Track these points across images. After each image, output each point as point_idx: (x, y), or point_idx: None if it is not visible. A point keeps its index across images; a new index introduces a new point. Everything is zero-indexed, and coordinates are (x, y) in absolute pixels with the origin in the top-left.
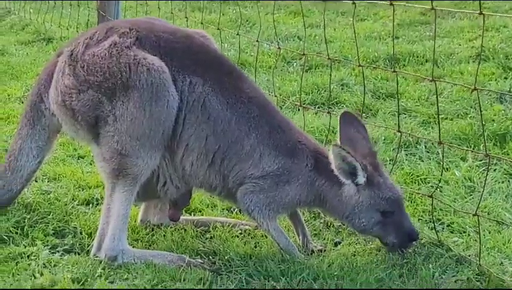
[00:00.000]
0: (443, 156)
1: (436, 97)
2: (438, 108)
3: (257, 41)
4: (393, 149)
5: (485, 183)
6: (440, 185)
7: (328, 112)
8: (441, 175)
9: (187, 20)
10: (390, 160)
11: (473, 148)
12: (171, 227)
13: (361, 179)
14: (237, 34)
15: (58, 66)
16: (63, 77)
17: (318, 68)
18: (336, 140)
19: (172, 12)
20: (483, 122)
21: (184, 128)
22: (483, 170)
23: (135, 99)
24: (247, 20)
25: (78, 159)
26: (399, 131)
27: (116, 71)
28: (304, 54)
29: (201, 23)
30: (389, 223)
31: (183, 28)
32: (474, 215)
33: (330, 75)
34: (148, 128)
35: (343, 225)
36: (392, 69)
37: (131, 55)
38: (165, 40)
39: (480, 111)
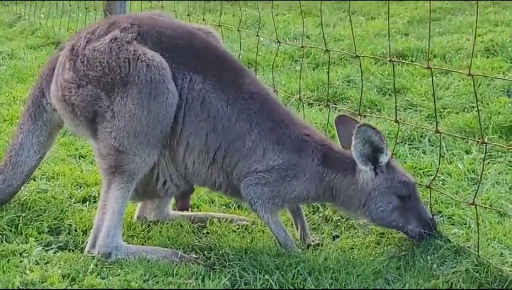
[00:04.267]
0: (440, 145)
1: (432, 81)
2: (434, 93)
3: (257, 35)
4: (396, 143)
5: (482, 172)
6: (443, 178)
7: (327, 105)
8: (439, 164)
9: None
10: (393, 153)
11: (478, 142)
12: (167, 223)
13: (385, 158)
14: (238, 30)
15: (59, 60)
16: (63, 72)
17: (325, 66)
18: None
19: (189, 15)
20: (489, 114)
21: (184, 126)
22: (488, 162)
23: (134, 95)
24: (257, 21)
25: (79, 158)
26: (396, 121)
27: (115, 66)
28: (302, 47)
29: (219, 25)
30: (407, 209)
31: (187, 24)
32: (471, 204)
33: (329, 65)
34: (146, 126)
35: (343, 217)
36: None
37: (131, 50)
38: (167, 36)
39: (475, 93)
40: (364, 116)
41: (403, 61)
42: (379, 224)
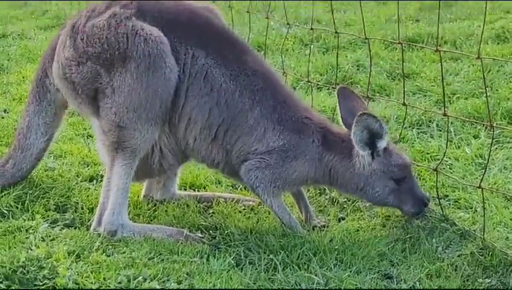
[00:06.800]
0: (448, 128)
1: (441, 64)
2: (442, 75)
3: (267, 18)
4: (404, 127)
5: (489, 156)
6: (450, 162)
7: (334, 88)
8: (446, 148)
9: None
10: (402, 138)
11: (486, 127)
12: (173, 202)
13: (383, 143)
14: (247, 12)
15: (60, 39)
16: (64, 50)
17: (335, 50)
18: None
19: None
20: (498, 100)
21: (187, 101)
22: (496, 148)
23: (132, 70)
24: (268, 5)
25: (87, 137)
26: (404, 104)
27: (113, 42)
28: (311, 29)
29: (230, 7)
30: (403, 191)
31: (188, 2)
32: (478, 187)
33: (337, 48)
34: (144, 100)
35: (349, 199)
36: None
37: (130, 25)
38: (168, 12)
39: (483, 76)
40: (373, 100)
41: (412, 43)
42: (375, 205)
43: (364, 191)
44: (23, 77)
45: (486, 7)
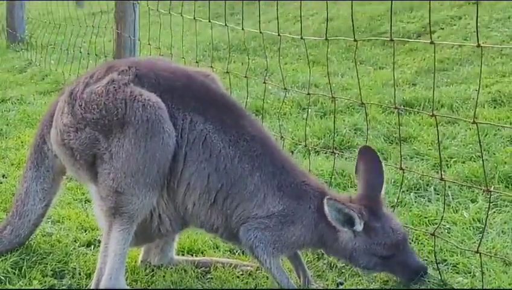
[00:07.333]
0: (445, 193)
1: (437, 129)
2: (439, 140)
3: (264, 82)
4: (402, 191)
5: (486, 220)
6: (448, 226)
7: (333, 153)
8: (443, 212)
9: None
10: (400, 202)
11: (483, 191)
12: (171, 268)
13: (358, 226)
14: (245, 77)
15: (58, 105)
16: (62, 116)
17: (332, 114)
18: (329, 194)
19: (197, 62)
20: (496, 164)
21: (185, 166)
22: (494, 212)
23: (130, 135)
24: (265, 69)
25: (85, 202)
26: (401, 169)
27: (112, 108)
28: (308, 94)
29: (227, 72)
30: (392, 264)
31: (185, 67)
32: (476, 252)
33: (335, 112)
34: (142, 165)
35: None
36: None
37: (128, 91)
38: (165, 78)
39: (479, 140)
40: None
41: (408, 109)
42: (365, 273)
43: (351, 261)
44: (22, 142)
45: (481, 71)
